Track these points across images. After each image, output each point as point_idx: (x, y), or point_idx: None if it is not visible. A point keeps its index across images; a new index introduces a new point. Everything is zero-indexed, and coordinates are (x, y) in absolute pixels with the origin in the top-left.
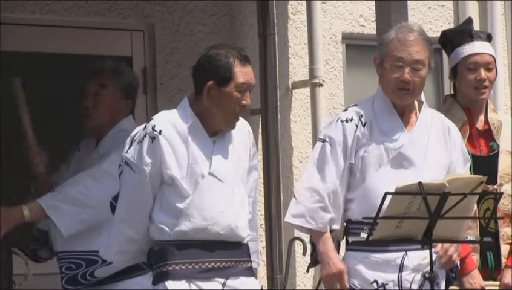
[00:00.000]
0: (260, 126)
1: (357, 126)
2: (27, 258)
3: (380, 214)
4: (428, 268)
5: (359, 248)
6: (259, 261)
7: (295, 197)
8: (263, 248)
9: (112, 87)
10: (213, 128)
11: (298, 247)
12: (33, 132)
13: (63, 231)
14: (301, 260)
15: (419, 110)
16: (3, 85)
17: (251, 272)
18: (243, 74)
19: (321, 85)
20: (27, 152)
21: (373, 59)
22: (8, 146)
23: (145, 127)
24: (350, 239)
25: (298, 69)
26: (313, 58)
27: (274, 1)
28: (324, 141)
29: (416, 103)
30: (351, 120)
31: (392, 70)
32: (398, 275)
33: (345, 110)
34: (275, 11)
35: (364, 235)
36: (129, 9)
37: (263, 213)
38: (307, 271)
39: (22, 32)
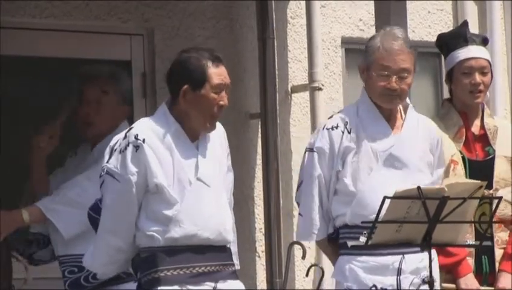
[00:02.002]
0: (259, 130)
1: (343, 133)
2: (26, 262)
3: (380, 218)
4: (425, 272)
5: (354, 251)
6: (239, 263)
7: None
8: (262, 251)
9: (113, 94)
10: (193, 132)
11: (297, 251)
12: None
13: (63, 232)
14: (300, 264)
15: (405, 113)
16: (3, 88)
17: (236, 275)
18: (217, 74)
19: (320, 89)
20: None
21: (358, 66)
22: (8, 146)
23: (126, 136)
24: (349, 243)
25: (297, 73)
26: (313, 62)
27: (273, 5)
28: (311, 150)
29: (401, 106)
30: (336, 127)
31: (379, 79)
32: (397, 279)
33: (330, 117)
34: (274, 15)
35: (363, 239)
36: (129, 13)
37: (262, 217)
38: (307, 275)
39: (22, 36)
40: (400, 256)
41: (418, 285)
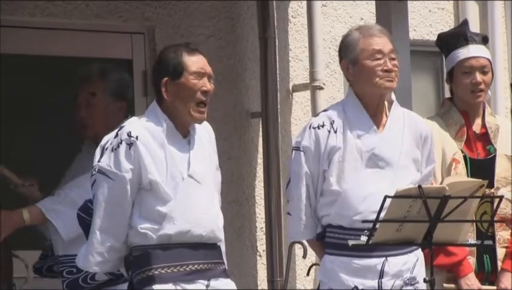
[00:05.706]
0: (260, 129)
1: (329, 132)
2: (28, 264)
3: (380, 218)
4: (408, 274)
5: (338, 252)
6: (226, 262)
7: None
8: (263, 251)
9: (101, 93)
10: (184, 127)
11: (298, 250)
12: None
13: (64, 234)
14: (301, 263)
15: (389, 110)
16: (3, 87)
17: (226, 274)
18: (193, 62)
19: (322, 88)
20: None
21: (341, 65)
22: (8, 146)
23: (117, 134)
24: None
25: (298, 72)
26: (314, 61)
27: (274, 4)
28: (298, 149)
29: (386, 103)
30: (322, 126)
31: (372, 64)
32: (378, 281)
33: (316, 115)
34: (275, 14)
35: (364, 238)
36: (130, 12)
37: (263, 216)
38: (307, 274)
39: (22, 34)
40: (383, 259)
41: (400, 287)
